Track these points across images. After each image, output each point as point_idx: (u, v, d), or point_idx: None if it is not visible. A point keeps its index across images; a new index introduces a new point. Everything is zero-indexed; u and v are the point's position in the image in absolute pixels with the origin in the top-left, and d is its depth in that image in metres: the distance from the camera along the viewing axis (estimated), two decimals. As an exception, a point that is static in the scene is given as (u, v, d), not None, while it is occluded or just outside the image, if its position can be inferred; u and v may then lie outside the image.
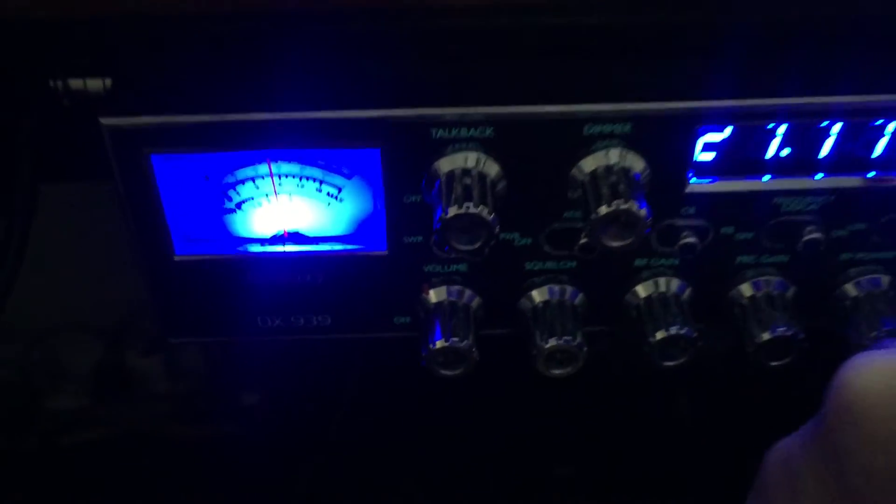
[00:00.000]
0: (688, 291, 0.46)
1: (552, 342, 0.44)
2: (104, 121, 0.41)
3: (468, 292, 0.47)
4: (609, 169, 0.40)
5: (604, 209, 0.39)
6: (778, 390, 0.66)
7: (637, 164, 0.41)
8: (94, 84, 0.46)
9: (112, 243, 0.63)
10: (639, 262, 0.46)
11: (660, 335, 0.44)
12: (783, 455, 0.34)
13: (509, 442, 0.74)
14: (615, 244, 0.40)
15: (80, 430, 0.74)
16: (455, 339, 0.44)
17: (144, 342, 0.77)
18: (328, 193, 0.46)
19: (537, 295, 0.46)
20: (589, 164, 0.41)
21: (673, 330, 0.44)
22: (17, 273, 0.50)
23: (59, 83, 0.47)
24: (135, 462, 0.72)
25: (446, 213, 0.39)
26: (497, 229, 0.39)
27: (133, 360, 0.77)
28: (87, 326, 0.77)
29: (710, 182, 0.43)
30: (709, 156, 0.43)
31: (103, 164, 0.46)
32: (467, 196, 0.40)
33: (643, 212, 0.39)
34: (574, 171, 0.41)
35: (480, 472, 0.73)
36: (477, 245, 0.40)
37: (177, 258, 0.46)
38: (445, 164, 0.41)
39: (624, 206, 0.38)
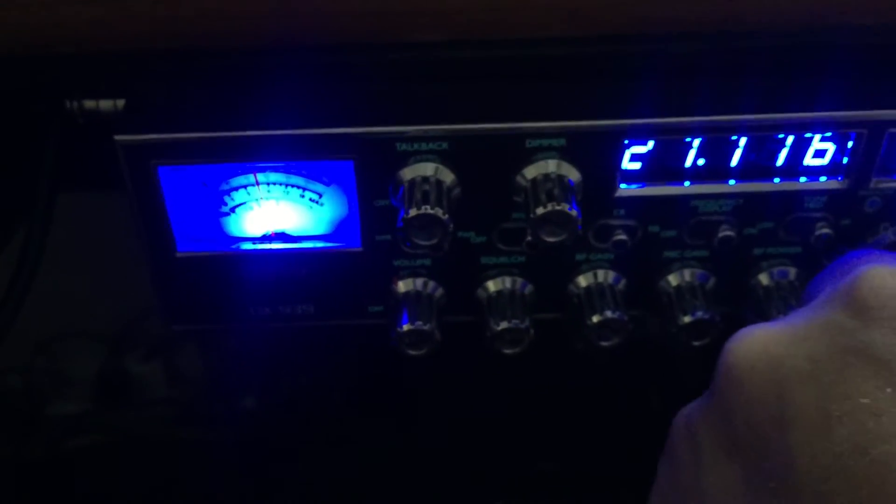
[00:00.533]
0: (622, 282, 0.53)
1: (503, 324, 0.51)
2: (118, 138, 0.48)
3: (432, 283, 0.54)
4: (547, 177, 0.48)
5: (540, 210, 0.46)
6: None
7: (572, 173, 0.48)
8: (106, 105, 0.53)
9: (113, 251, 0.68)
10: (579, 257, 0.53)
11: (596, 318, 0.51)
12: (685, 418, 0.38)
13: (492, 437, 0.77)
14: (551, 240, 0.47)
15: (82, 435, 0.76)
16: (419, 322, 0.51)
17: (145, 348, 0.79)
18: (310, 199, 0.53)
19: (492, 285, 0.53)
20: (530, 172, 0.48)
21: (608, 314, 0.51)
22: (30, 285, 0.55)
23: (75, 104, 0.54)
24: (137, 467, 0.74)
25: (408, 214, 0.46)
26: (451, 227, 0.46)
27: (134, 366, 0.79)
28: (89, 333, 0.79)
29: (637, 187, 0.50)
30: (635, 165, 0.50)
31: (107, 174, 0.51)
32: (425, 199, 0.47)
33: (573, 213, 0.46)
34: (518, 178, 0.48)
35: (464, 467, 0.76)
36: (434, 241, 0.47)
37: (179, 254, 0.53)
38: (408, 173, 0.48)
39: (557, 208, 0.46)
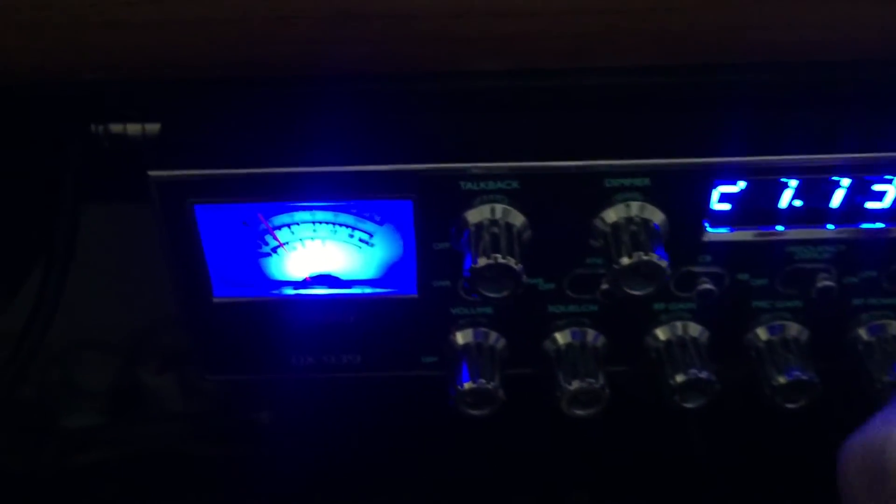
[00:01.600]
0: (705, 335, 0.48)
1: (575, 384, 0.46)
2: (153, 174, 0.43)
3: (494, 334, 0.49)
4: (630, 220, 0.43)
5: (626, 260, 0.41)
6: (794, 431, 0.67)
7: (656, 215, 0.43)
8: (134, 129, 0.49)
9: (128, 262, 0.67)
10: (658, 307, 0.48)
11: (680, 378, 0.46)
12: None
13: (525, 466, 0.74)
14: (636, 292, 0.42)
15: (95, 449, 0.74)
16: (482, 380, 0.46)
17: (159, 360, 0.77)
18: (360, 239, 0.49)
19: (560, 337, 0.49)
20: (611, 215, 0.43)
21: (692, 373, 0.46)
22: (54, 313, 0.52)
23: (101, 128, 0.49)
24: (150, 482, 0.72)
25: (476, 263, 0.41)
26: (524, 278, 0.42)
27: (148, 378, 0.77)
28: (102, 344, 0.77)
29: (726, 231, 0.45)
30: (725, 206, 0.45)
31: (122, 186, 0.48)
32: (495, 246, 0.42)
33: (664, 263, 0.41)
34: (596, 221, 0.44)
35: (496, 497, 0.74)
36: (505, 293, 0.42)
37: (215, 300, 0.48)
38: (475, 215, 0.43)
39: (645, 258, 0.41)
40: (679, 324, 0.48)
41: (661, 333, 0.48)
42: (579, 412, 0.47)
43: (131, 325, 0.76)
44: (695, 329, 0.48)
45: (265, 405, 0.67)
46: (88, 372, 0.77)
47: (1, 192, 0.52)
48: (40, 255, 0.53)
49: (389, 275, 0.49)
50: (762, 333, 0.48)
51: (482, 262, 0.41)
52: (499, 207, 0.43)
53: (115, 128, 0.49)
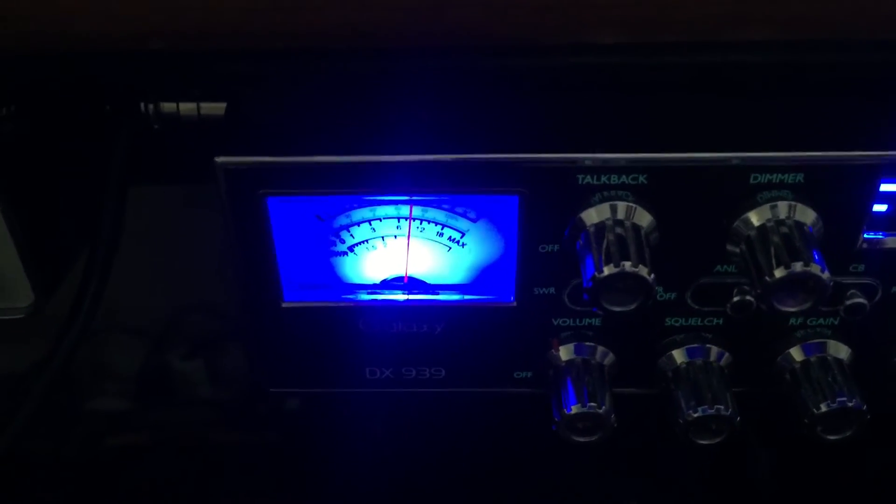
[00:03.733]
0: (848, 354, 0.42)
1: (699, 410, 0.40)
2: (220, 160, 0.37)
3: (601, 349, 0.43)
4: (781, 223, 0.36)
5: (780, 271, 0.34)
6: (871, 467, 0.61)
7: (807, 216, 0.37)
8: (188, 109, 0.44)
9: (159, 244, 0.64)
10: (793, 322, 0.42)
11: (824, 408, 0.39)
12: None
13: (576, 473, 0.70)
14: (789, 309, 0.35)
15: (122, 433, 0.72)
16: (592, 403, 0.40)
17: (188, 344, 0.74)
18: (450, 238, 0.43)
19: (678, 355, 0.42)
20: (756, 217, 0.37)
21: (840, 402, 0.39)
22: (97, 307, 0.48)
23: (150, 107, 0.44)
24: (177, 467, 0.70)
25: (600, 272, 0.35)
26: (656, 291, 0.35)
27: (177, 363, 0.75)
28: (132, 327, 0.75)
29: (885, 237, 0.39)
30: (882, 207, 0.39)
31: (159, 167, 0.46)
32: (623, 252, 0.35)
33: (826, 275, 0.34)
34: (738, 223, 0.37)
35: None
36: (633, 306, 0.36)
37: (285, 305, 0.42)
38: (594, 214, 0.37)
39: (805, 269, 0.34)
40: (817, 342, 0.42)
41: (797, 353, 0.42)
42: (705, 441, 0.40)
43: (161, 309, 0.73)
44: (835, 348, 0.41)
45: (335, 419, 0.62)
46: (117, 356, 0.75)
47: (47, 173, 0.47)
48: (86, 239, 0.49)
49: (481, 279, 0.43)
50: (916, 355, 0.42)
51: (608, 270, 0.35)
52: (623, 206, 0.37)
53: (167, 107, 0.44)
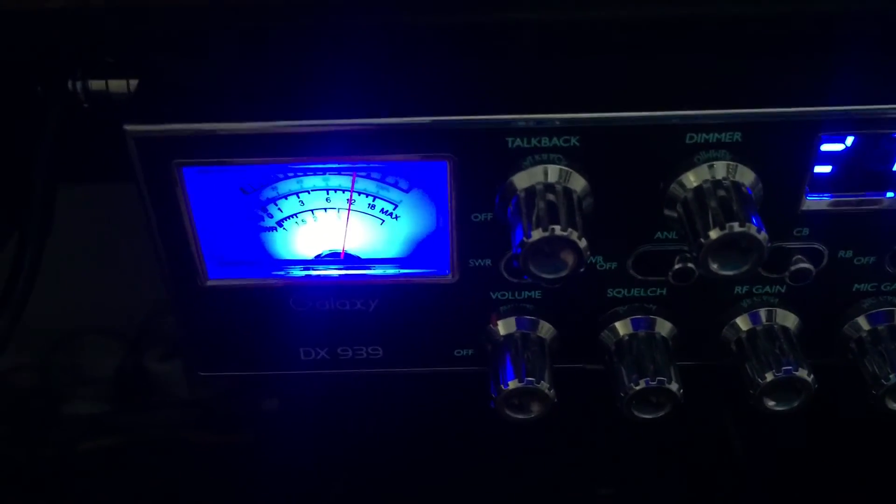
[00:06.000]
0: (796, 323, 0.40)
1: (642, 383, 0.38)
2: (129, 128, 0.35)
3: (542, 323, 0.41)
4: (717, 184, 0.35)
5: (715, 233, 0.33)
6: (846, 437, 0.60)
7: (746, 177, 0.36)
8: (117, 86, 0.41)
9: (132, 246, 0.61)
10: (739, 290, 0.40)
11: (770, 377, 0.38)
12: None
13: (550, 461, 0.69)
14: (727, 273, 0.34)
15: (98, 436, 0.71)
16: (530, 378, 0.39)
17: (164, 346, 0.74)
18: (382, 210, 0.41)
19: (622, 327, 0.41)
20: (692, 178, 0.35)
21: (784, 371, 0.38)
22: (29, 293, 0.46)
23: (79, 84, 0.42)
24: (154, 470, 0.69)
25: (528, 236, 0.33)
26: (588, 256, 0.34)
27: (153, 365, 0.74)
28: (107, 330, 0.75)
29: (828, 198, 0.37)
30: (827, 168, 0.37)
31: (125, 166, 0.41)
32: (552, 216, 0.34)
33: (763, 235, 0.33)
34: (674, 186, 0.36)
35: (520, 491, 0.68)
36: (563, 273, 0.34)
37: (209, 283, 0.40)
38: (525, 178, 0.35)
39: (740, 230, 0.33)
40: (765, 311, 0.40)
41: (743, 322, 0.40)
42: (645, 416, 0.39)
43: (136, 311, 0.73)
44: (784, 317, 0.40)
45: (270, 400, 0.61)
46: (93, 358, 0.74)
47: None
48: (15, 224, 0.47)
49: (417, 253, 0.41)
50: (864, 323, 0.40)
51: (536, 234, 0.33)
52: (555, 169, 0.35)
53: (96, 84, 0.42)
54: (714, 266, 0.33)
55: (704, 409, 0.68)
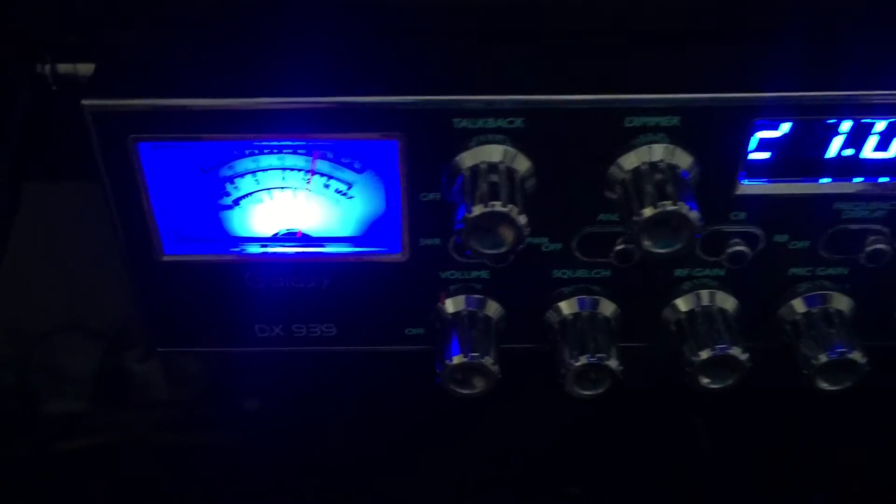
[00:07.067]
0: (735, 306, 0.42)
1: (583, 360, 0.40)
2: (87, 102, 0.36)
3: (489, 302, 0.42)
4: (654, 167, 0.36)
5: (648, 211, 0.34)
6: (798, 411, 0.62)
7: (683, 160, 0.37)
8: (85, 69, 0.42)
9: (112, 244, 0.63)
10: (679, 273, 0.42)
11: (705, 354, 0.39)
12: None
13: (517, 460, 0.70)
14: (660, 251, 0.35)
15: (78, 436, 0.71)
16: (474, 354, 0.40)
17: (145, 345, 0.72)
18: (336, 190, 0.42)
19: (567, 307, 0.42)
20: (631, 160, 0.37)
21: (719, 349, 0.39)
22: None
23: (48, 67, 0.43)
24: (134, 470, 0.69)
25: (470, 212, 0.35)
26: (527, 232, 0.35)
27: (132, 365, 0.74)
28: (87, 328, 0.74)
29: (764, 183, 0.39)
30: (764, 154, 0.39)
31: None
32: (493, 194, 0.35)
33: (694, 214, 0.34)
34: (614, 168, 0.37)
35: (486, 490, 0.69)
36: (503, 249, 0.35)
37: (165, 258, 0.41)
38: (469, 158, 0.37)
39: (672, 208, 0.34)
40: (705, 293, 0.42)
41: (683, 304, 0.42)
42: (585, 392, 0.40)
43: (116, 309, 0.71)
44: (723, 299, 0.41)
45: (227, 375, 0.61)
46: (72, 358, 0.74)
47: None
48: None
49: (371, 232, 0.42)
50: (799, 305, 0.42)
51: (477, 210, 0.34)
52: (498, 149, 0.37)
53: (64, 67, 0.43)
54: (648, 243, 0.35)
55: (670, 405, 0.70)
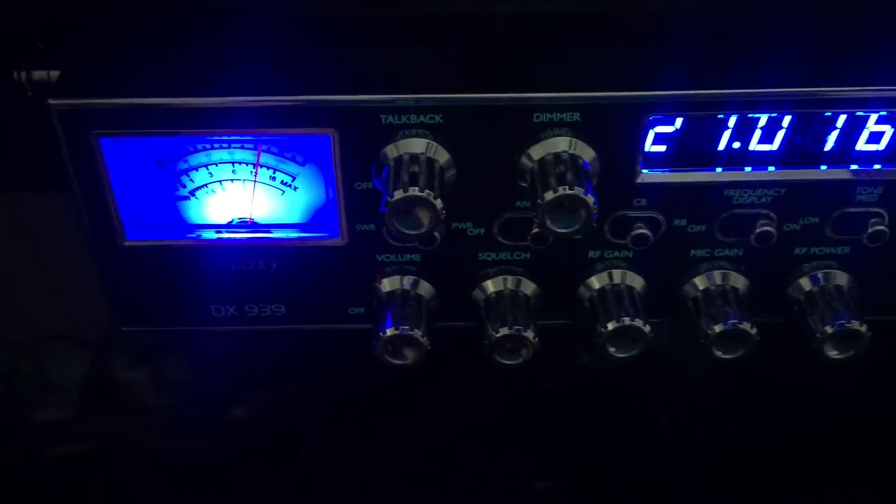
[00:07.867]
0: (642, 284, 0.46)
1: (503, 331, 0.44)
2: (53, 102, 0.41)
3: (422, 282, 0.47)
4: (557, 157, 0.40)
5: (549, 194, 0.39)
6: (746, 391, 0.65)
7: (586, 153, 0.41)
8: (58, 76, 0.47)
9: None
10: (592, 254, 0.46)
11: (611, 326, 0.44)
12: None
13: (488, 455, 0.72)
14: (562, 231, 0.39)
15: (65, 443, 0.73)
16: (405, 327, 0.44)
17: (131, 353, 0.76)
18: (282, 181, 0.46)
19: (491, 285, 0.46)
20: (538, 151, 0.41)
21: (624, 321, 0.44)
22: None
23: (23, 74, 0.47)
24: (122, 476, 0.71)
25: (392, 197, 0.39)
26: (443, 213, 0.39)
27: (119, 372, 0.76)
28: (74, 337, 0.76)
29: (661, 173, 0.43)
30: (660, 147, 0.43)
31: None
32: (413, 180, 0.39)
33: (589, 198, 0.39)
34: (523, 159, 0.41)
35: (457, 485, 0.72)
36: (423, 230, 0.40)
37: (127, 243, 0.46)
38: (394, 150, 0.41)
39: (569, 192, 0.38)
40: (617, 272, 0.46)
41: (596, 281, 0.46)
42: (506, 361, 0.44)
43: (103, 318, 0.69)
44: (631, 278, 0.46)
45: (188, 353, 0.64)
46: (60, 366, 0.76)
47: None
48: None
49: (314, 220, 0.47)
50: (700, 283, 0.46)
51: (398, 195, 0.39)
52: (420, 142, 0.41)
53: (39, 74, 0.47)
54: (550, 224, 0.39)
55: (636, 398, 0.73)
